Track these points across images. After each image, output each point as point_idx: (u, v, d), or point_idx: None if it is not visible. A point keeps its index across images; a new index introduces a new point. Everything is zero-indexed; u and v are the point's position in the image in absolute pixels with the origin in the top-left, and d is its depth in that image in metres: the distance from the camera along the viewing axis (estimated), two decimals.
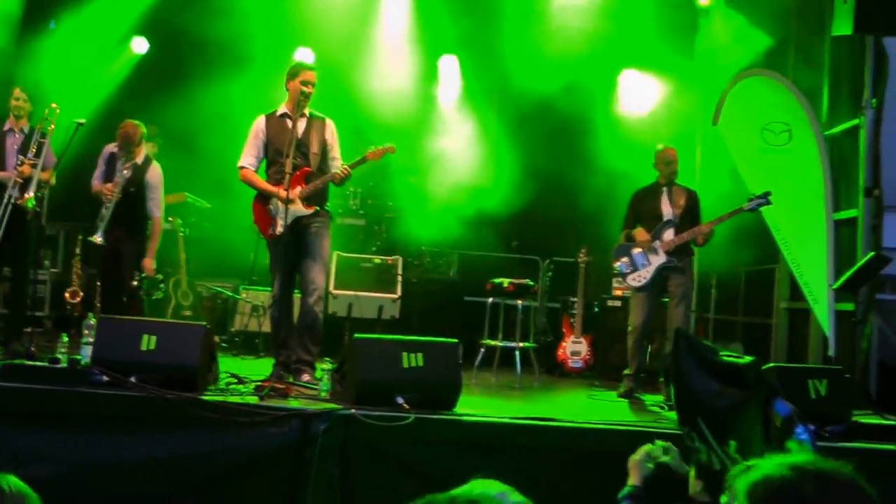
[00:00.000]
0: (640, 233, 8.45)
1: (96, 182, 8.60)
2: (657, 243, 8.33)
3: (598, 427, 6.14)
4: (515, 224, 12.15)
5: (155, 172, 8.71)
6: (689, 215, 8.47)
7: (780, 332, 10.80)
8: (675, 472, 4.31)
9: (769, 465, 2.11)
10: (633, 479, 4.52)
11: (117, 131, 8.54)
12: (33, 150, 7.99)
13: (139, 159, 8.61)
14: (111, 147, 8.65)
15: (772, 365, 6.79)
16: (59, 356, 6.50)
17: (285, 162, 7.25)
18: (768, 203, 8.13)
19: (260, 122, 7.73)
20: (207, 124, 10.36)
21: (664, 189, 8.55)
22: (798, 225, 9.11)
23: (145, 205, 8.66)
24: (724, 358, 3.19)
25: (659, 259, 8.31)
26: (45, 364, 6.37)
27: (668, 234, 8.35)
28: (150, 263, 8.68)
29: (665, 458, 4.32)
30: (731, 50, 10.32)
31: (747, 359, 4.32)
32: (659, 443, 4.47)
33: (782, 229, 9.10)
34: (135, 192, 8.55)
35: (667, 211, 8.45)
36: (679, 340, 4.61)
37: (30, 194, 7.76)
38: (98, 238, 8.30)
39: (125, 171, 8.45)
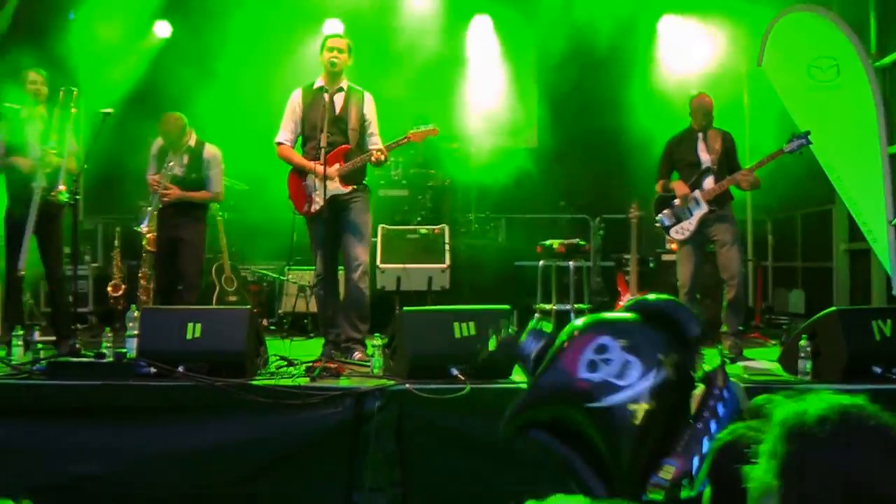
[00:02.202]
0: (679, 185, 8.21)
1: (149, 177, 8.21)
2: (697, 193, 8.11)
3: None
4: (563, 183, 11.97)
5: (211, 150, 8.30)
6: (727, 159, 8.20)
7: (842, 274, 10.53)
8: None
9: (819, 403, 1.94)
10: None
11: (159, 128, 8.22)
12: (54, 137, 7.69)
13: (191, 143, 8.24)
14: (159, 141, 8.29)
15: (833, 309, 6.54)
16: (105, 350, 6.49)
17: (321, 137, 7.09)
18: (809, 143, 7.83)
19: (296, 95, 7.57)
20: (240, 104, 10.25)
21: (699, 135, 8.29)
22: (852, 162, 8.79)
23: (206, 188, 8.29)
24: None
25: (701, 209, 8.07)
26: (91, 359, 6.34)
27: (709, 183, 8.09)
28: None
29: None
30: None
31: None
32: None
33: (836, 168, 8.79)
34: (195, 178, 8.21)
35: (704, 158, 8.18)
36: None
37: (62, 187, 7.47)
38: (143, 227, 8.21)
39: (172, 164, 8.09)
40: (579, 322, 2.49)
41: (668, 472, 2.34)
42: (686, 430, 2.38)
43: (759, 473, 1.91)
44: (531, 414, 2.55)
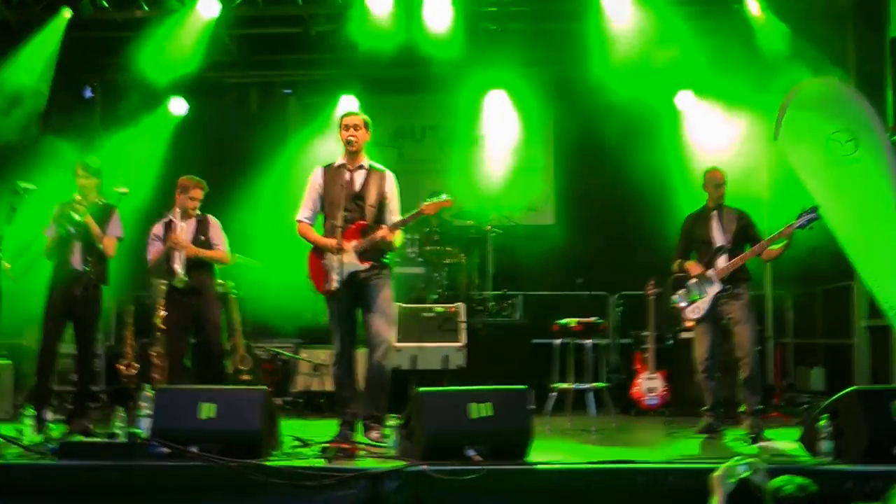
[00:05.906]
0: (693, 266, 8.28)
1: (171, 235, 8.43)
2: (711, 272, 8.12)
3: (678, 466, 5.92)
4: (581, 260, 11.93)
5: (213, 218, 8.66)
6: (743, 237, 8.22)
7: (862, 352, 10.38)
8: (757, 488, 4.29)
9: None
10: (717, 499, 4.43)
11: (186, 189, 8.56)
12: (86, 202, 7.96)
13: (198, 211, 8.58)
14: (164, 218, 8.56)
15: (852, 389, 6.41)
16: (117, 430, 6.40)
17: (338, 216, 7.05)
18: (818, 217, 7.79)
19: (317, 174, 7.52)
20: (256, 182, 10.28)
21: (714, 213, 8.32)
22: (870, 238, 8.68)
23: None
24: None
25: (714, 288, 8.11)
26: (104, 440, 6.33)
27: (721, 261, 8.13)
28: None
29: (746, 474, 4.27)
30: (789, 63, 10.02)
31: None
32: (737, 458, 4.42)
33: (854, 243, 8.69)
34: (203, 241, 8.47)
35: (718, 237, 8.23)
36: None
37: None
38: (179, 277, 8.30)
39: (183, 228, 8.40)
40: None
41: None
42: None
43: None
44: None
